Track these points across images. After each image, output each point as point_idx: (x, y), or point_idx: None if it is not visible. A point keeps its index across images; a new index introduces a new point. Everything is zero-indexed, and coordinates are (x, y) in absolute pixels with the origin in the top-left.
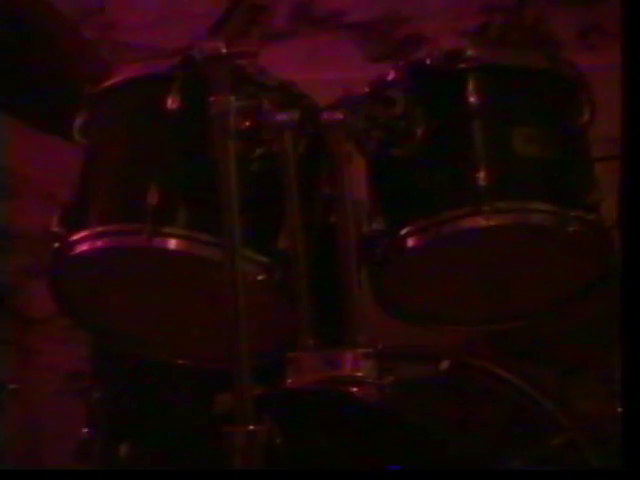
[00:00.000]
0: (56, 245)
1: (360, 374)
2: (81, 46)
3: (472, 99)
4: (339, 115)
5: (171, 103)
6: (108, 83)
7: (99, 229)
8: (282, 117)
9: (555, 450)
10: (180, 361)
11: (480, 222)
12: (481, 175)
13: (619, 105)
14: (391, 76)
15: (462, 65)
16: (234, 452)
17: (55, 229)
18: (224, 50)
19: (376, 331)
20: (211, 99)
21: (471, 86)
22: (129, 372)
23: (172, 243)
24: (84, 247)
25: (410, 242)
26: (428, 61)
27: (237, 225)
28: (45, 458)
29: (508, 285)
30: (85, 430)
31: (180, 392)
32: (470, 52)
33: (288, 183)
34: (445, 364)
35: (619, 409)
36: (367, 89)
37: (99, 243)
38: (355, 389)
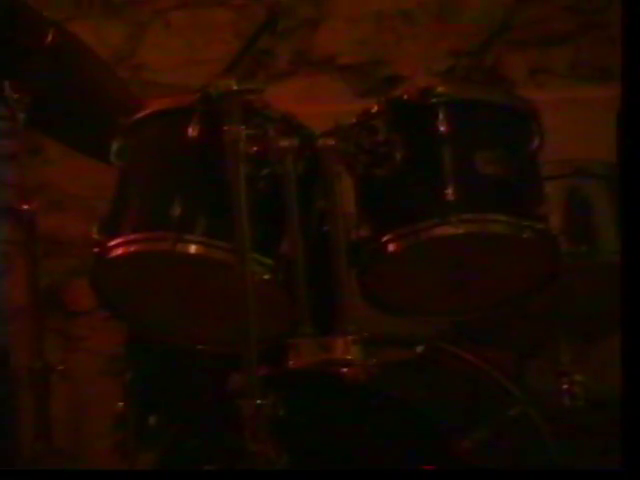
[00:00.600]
0: (96, 250)
1: (349, 357)
2: (116, 84)
3: (442, 128)
4: (331, 142)
5: (191, 132)
6: (139, 115)
7: (131, 237)
8: (284, 143)
9: (511, 420)
10: (199, 346)
11: (448, 231)
12: (449, 191)
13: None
14: (374, 109)
15: (433, 100)
16: (244, 421)
17: (95, 236)
18: (235, 87)
19: (362, 321)
20: (225, 128)
21: (441, 117)
22: (157, 356)
23: (192, 248)
24: (119, 251)
25: (390, 247)
26: (405, 97)
27: (246, 233)
28: (87, 430)
29: (472, 282)
30: (120, 404)
31: (199, 372)
32: (440, 89)
33: (289, 198)
34: (420, 348)
35: (564, 386)
36: (355, 120)
37: (131, 248)
38: (345, 369)
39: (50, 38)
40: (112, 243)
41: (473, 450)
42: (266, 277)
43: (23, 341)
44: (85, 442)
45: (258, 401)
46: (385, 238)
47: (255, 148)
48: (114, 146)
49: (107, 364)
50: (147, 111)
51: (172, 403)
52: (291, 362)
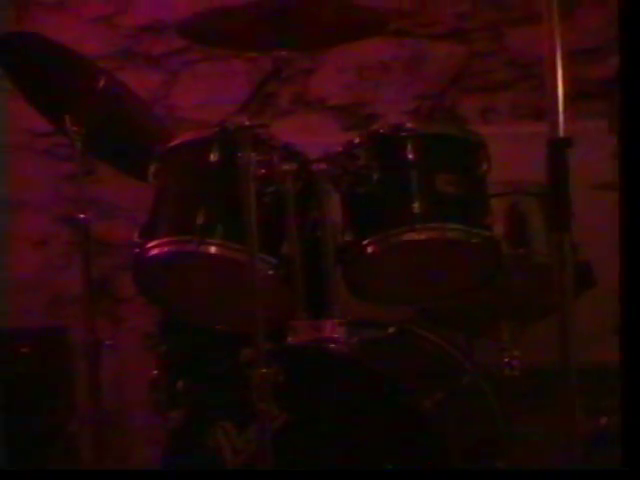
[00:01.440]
0: (137, 250)
1: (335, 336)
2: (153, 120)
3: (410, 156)
4: (323, 166)
5: (212, 157)
6: (171, 144)
7: (165, 239)
8: (285, 167)
9: (465, 387)
10: (218, 326)
11: (414, 236)
12: (415, 205)
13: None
14: (357, 140)
15: (403, 133)
16: (253, 386)
17: (136, 240)
18: (247, 123)
19: (346, 307)
20: (239, 155)
21: (409, 147)
22: (184, 333)
23: (212, 249)
24: (155, 252)
25: (369, 249)
26: (381, 130)
27: (255, 237)
28: (129, 392)
29: (433, 277)
30: (155, 372)
31: (217, 346)
32: (408, 125)
33: (289, 210)
34: (392, 329)
35: (505, 359)
36: (341, 149)
37: (165, 249)
38: (332, 345)
39: (102, 83)
40: (149, 245)
41: (432, 408)
42: (270, 272)
43: (79, 321)
44: (127, 402)
45: (263, 370)
46: (365, 242)
47: (262, 171)
48: (151, 168)
49: (145, 340)
50: (177, 141)
51: (196, 371)
52: (290, 339)
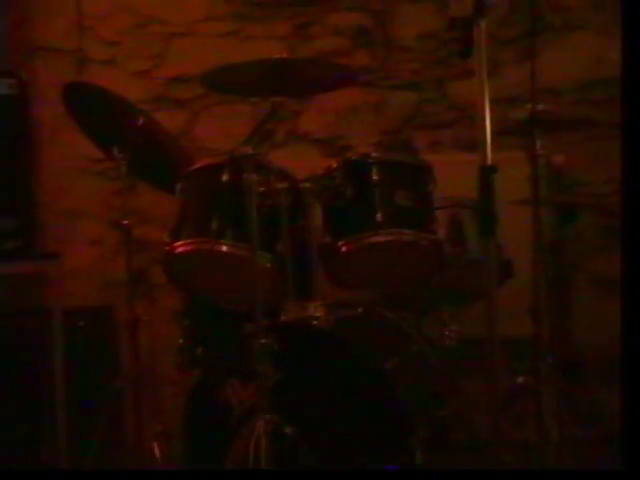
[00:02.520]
0: (167, 248)
1: (317, 314)
2: (180, 149)
3: (375, 177)
4: (308, 185)
5: (224, 178)
6: (193, 167)
7: (188, 240)
8: (280, 185)
9: (415, 353)
10: (229, 306)
11: (378, 239)
12: (379, 215)
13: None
14: (334, 165)
15: (370, 160)
16: (254, 353)
17: (166, 240)
18: (250, 152)
19: (326, 293)
20: (244, 176)
21: (374, 171)
22: (202, 311)
23: (224, 247)
24: (180, 249)
25: (343, 248)
26: (353, 158)
27: (256, 238)
28: (161, 356)
29: (393, 270)
30: (180, 341)
31: (227, 322)
32: (374, 154)
33: (282, 218)
34: (360, 309)
35: (446, 332)
36: (322, 171)
37: (188, 247)
38: (315, 322)
39: (141, 121)
40: (176, 244)
41: (391, 369)
42: (268, 266)
43: (123, 302)
44: (159, 364)
45: (262, 340)
46: (340, 243)
47: (262, 188)
48: (178, 186)
49: (172, 316)
50: (197, 165)
51: (211, 340)
52: (282, 317)
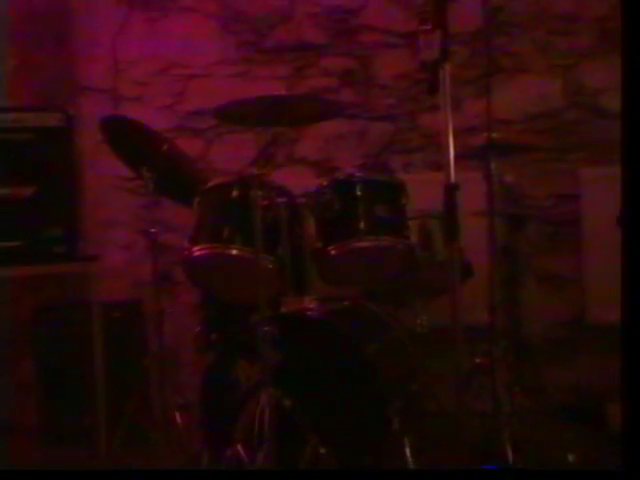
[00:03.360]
0: (186, 252)
1: (311, 306)
2: (197, 170)
3: (358, 192)
4: (303, 199)
5: (234, 194)
6: (208, 185)
7: (204, 246)
8: (279, 200)
9: (393, 339)
10: (237, 300)
11: (362, 244)
12: (362, 225)
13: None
14: (325, 183)
15: (354, 179)
16: (258, 338)
17: (186, 245)
18: (256, 172)
19: (318, 289)
20: (251, 192)
21: (358, 188)
22: (216, 305)
23: (233, 251)
24: (197, 253)
25: (332, 252)
26: (340, 177)
27: (260, 244)
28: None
29: (373, 269)
30: (197, 329)
31: (236, 313)
32: (357, 174)
33: (282, 227)
34: (347, 302)
35: (418, 321)
36: (315, 189)
37: (204, 252)
38: (309, 312)
39: (166, 147)
40: (194, 249)
41: (373, 352)
42: (270, 266)
43: (149, 297)
44: (181, 347)
45: (265, 328)
46: (330, 248)
47: (265, 202)
48: (195, 200)
49: (191, 308)
50: (212, 183)
51: (222, 328)
52: (282, 309)
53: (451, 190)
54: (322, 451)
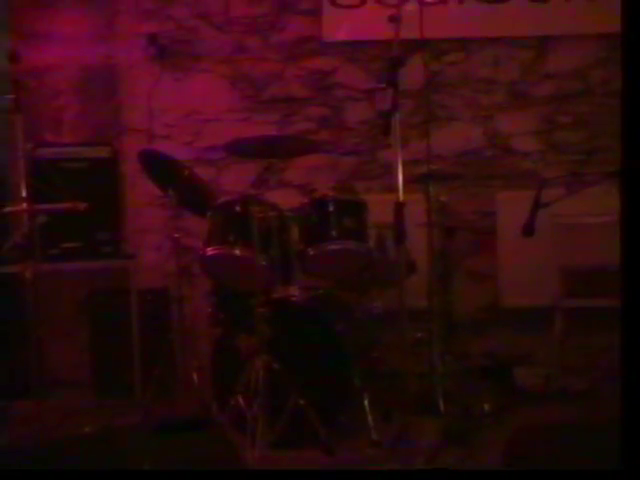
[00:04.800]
0: (201, 252)
1: (296, 294)
2: (210, 190)
3: (331, 209)
4: (289, 213)
5: (237, 209)
6: (218, 202)
7: (215, 247)
8: (271, 214)
9: (356, 319)
10: (239, 290)
11: (333, 247)
12: (334, 232)
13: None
14: (306, 201)
15: (328, 198)
16: (255, 317)
17: (201, 247)
18: (254, 192)
19: (301, 281)
20: (249, 208)
21: (331, 205)
22: (224, 292)
23: (237, 251)
24: (210, 253)
25: (311, 253)
26: (317, 197)
27: (256, 247)
28: (199, 322)
29: (343, 266)
30: (209, 310)
31: (238, 297)
32: (330, 194)
33: (273, 234)
34: (322, 290)
35: (375, 305)
36: (298, 205)
37: (215, 251)
38: (294, 298)
39: (187, 172)
40: (207, 250)
41: (341, 329)
42: (264, 263)
43: (174, 285)
44: (197, 323)
45: (261, 310)
46: (309, 249)
47: (260, 215)
48: (208, 213)
49: (205, 294)
50: (220, 201)
51: (228, 309)
52: (273, 295)
53: (399, 207)
54: (301, 402)
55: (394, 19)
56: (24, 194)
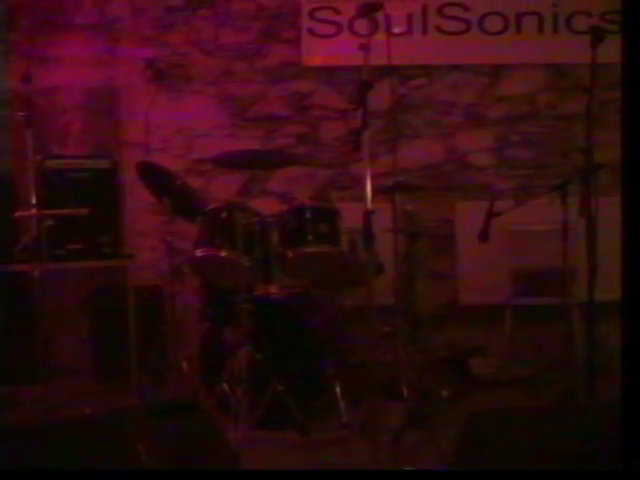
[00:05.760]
0: (191, 254)
1: (275, 292)
2: (200, 198)
3: (308, 215)
4: (270, 219)
5: (223, 215)
6: (207, 208)
7: (203, 249)
8: (254, 219)
9: (330, 314)
10: (225, 288)
11: (309, 250)
12: (310, 237)
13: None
14: (285, 209)
15: (305, 206)
16: (239, 312)
17: (192, 249)
18: (238, 201)
19: (280, 280)
20: (235, 214)
21: (307, 212)
22: (210, 288)
23: (223, 253)
24: (199, 254)
25: (289, 255)
26: (296, 205)
27: (240, 249)
28: (188, 314)
29: (318, 267)
30: (198, 305)
31: (224, 294)
32: (308, 203)
33: (255, 238)
34: (298, 289)
35: (346, 302)
36: (277, 212)
37: (203, 253)
38: (274, 295)
39: (179, 182)
40: (197, 252)
41: (317, 322)
42: (247, 264)
43: (167, 283)
44: (187, 317)
45: (244, 306)
46: (288, 252)
47: (244, 221)
48: (198, 219)
49: (195, 291)
50: (209, 208)
51: (215, 304)
52: (255, 293)
53: (368, 215)
54: (280, 388)
55: (365, 47)
56: (33, 201)
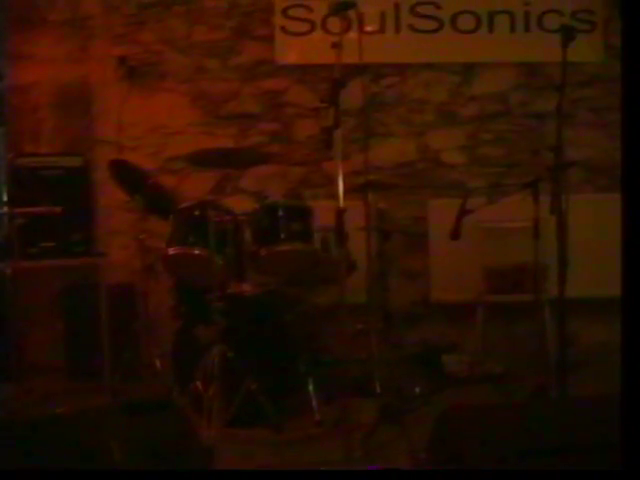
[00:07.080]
0: (164, 252)
1: (247, 289)
2: (172, 196)
3: (280, 213)
4: (243, 217)
5: (196, 212)
6: (179, 207)
7: (176, 247)
8: (226, 217)
9: (301, 310)
10: (198, 285)
11: (282, 248)
12: (283, 235)
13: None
14: (257, 207)
15: (278, 204)
16: (212, 309)
17: (164, 247)
18: (211, 198)
19: (252, 278)
20: (208, 212)
21: (280, 210)
22: (183, 287)
23: (196, 251)
24: (172, 252)
25: (263, 253)
26: (269, 203)
27: (214, 247)
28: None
29: (291, 265)
30: (171, 303)
31: (197, 292)
32: (281, 201)
33: (228, 236)
34: (272, 286)
35: (319, 299)
36: (250, 210)
37: (176, 251)
38: (246, 292)
39: (151, 181)
40: (169, 250)
41: (290, 320)
42: (220, 262)
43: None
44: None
45: (217, 303)
46: (261, 250)
47: (217, 219)
48: (171, 217)
49: (168, 289)
50: (182, 206)
51: (188, 302)
52: (228, 290)
53: (341, 213)
54: (253, 386)
55: (337, 45)
56: (5, 199)
